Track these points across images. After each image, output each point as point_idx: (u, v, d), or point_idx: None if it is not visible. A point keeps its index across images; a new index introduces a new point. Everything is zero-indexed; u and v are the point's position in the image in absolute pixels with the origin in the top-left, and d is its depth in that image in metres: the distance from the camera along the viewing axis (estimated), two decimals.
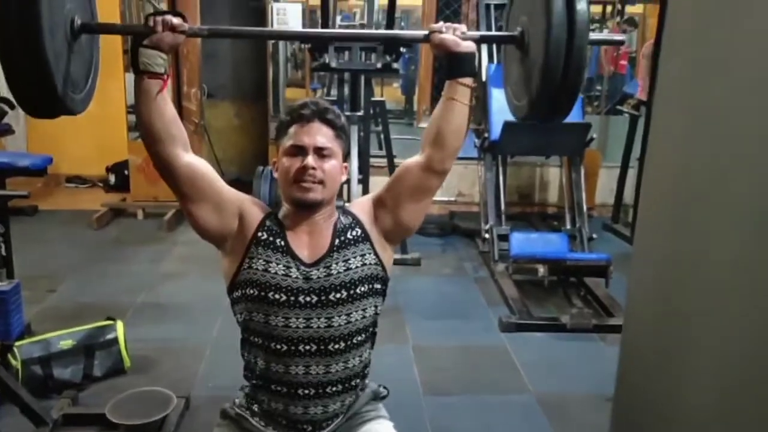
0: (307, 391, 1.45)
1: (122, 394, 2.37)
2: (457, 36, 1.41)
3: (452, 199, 5.42)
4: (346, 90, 4.12)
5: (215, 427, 1.57)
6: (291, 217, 1.47)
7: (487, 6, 4.70)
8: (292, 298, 1.41)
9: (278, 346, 1.43)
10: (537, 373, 2.89)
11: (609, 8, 6.63)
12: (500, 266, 3.95)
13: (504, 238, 4.06)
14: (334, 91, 5.09)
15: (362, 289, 1.45)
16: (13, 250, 2.95)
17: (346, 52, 3.77)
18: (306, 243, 1.45)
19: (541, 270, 3.56)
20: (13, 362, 2.52)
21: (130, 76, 3.86)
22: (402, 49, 4.09)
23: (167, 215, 4.79)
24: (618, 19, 6.20)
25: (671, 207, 1.57)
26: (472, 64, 1.44)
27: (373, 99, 4.44)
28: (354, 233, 1.48)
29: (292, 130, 1.44)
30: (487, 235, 4.16)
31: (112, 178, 5.63)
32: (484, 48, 4.60)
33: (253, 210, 1.48)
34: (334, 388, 1.47)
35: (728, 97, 1.34)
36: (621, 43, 1.88)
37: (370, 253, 1.47)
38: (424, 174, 1.46)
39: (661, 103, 1.68)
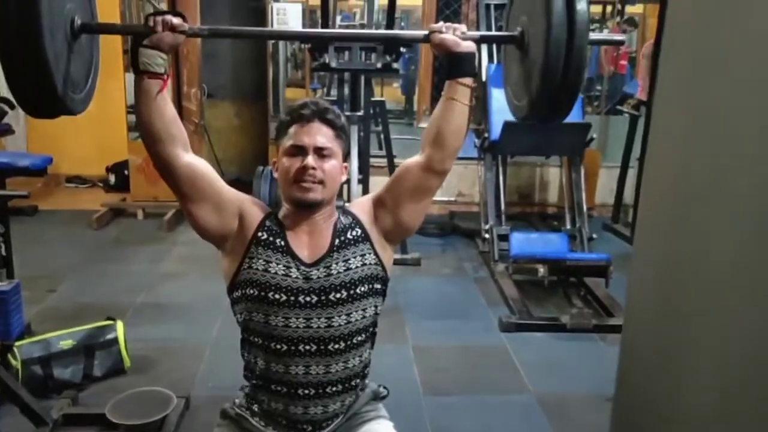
0: (307, 391, 1.45)
1: (122, 394, 2.37)
2: (457, 36, 1.41)
3: (452, 199, 5.42)
4: (346, 90, 4.12)
5: (215, 427, 1.57)
6: (291, 217, 1.47)
7: (487, 6, 4.70)
8: (292, 298, 1.41)
9: (278, 346, 1.43)
10: (537, 373, 2.89)
11: (609, 8, 6.64)
12: (500, 266, 3.95)
13: (504, 238, 4.06)
14: (334, 91, 5.09)
15: (362, 289, 1.45)
16: (13, 250, 2.95)
17: (346, 52, 3.77)
18: (306, 243, 1.45)
19: (541, 270, 3.55)
20: (13, 362, 2.52)
21: (130, 76, 3.87)
22: (402, 49, 4.08)
23: (167, 215, 4.79)
24: (618, 19, 6.19)
25: (671, 207, 1.57)
26: (472, 64, 1.44)
27: (373, 99, 4.44)
28: (354, 233, 1.48)
29: (292, 130, 1.44)
30: (487, 235, 4.16)
31: (112, 178, 5.63)
32: (484, 48, 4.60)
33: (253, 210, 1.47)
34: (334, 388, 1.47)
35: (728, 97, 1.34)
36: (621, 43, 1.88)
37: (370, 253, 1.47)
38: (424, 174, 1.46)
39: (661, 103, 1.68)
